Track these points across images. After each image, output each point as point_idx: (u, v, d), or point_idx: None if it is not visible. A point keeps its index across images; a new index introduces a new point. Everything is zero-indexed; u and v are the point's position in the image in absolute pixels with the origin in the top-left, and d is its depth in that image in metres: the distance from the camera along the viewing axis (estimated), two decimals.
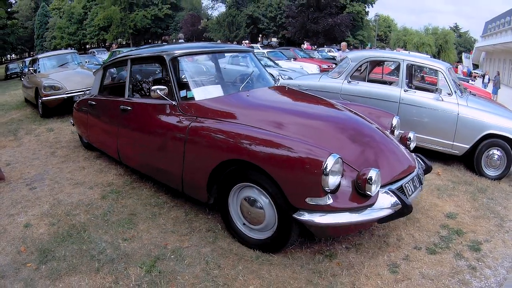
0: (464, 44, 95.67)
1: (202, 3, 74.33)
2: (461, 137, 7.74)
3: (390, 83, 9.00)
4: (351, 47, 51.34)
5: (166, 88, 5.00)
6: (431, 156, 8.10)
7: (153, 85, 5.45)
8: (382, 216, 3.86)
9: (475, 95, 9.79)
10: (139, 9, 72.72)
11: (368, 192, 3.73)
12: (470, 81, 23.91)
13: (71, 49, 71.99)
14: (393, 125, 5.71)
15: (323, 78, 9.50)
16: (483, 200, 6.40)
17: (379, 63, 10.33)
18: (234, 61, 9.82)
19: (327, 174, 3.48)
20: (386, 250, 4.62)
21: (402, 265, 4.33)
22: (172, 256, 4.13)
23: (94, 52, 44.83)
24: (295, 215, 3.71)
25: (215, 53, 6.36)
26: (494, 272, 4.37)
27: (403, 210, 3.94)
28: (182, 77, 5.35)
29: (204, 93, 5.15)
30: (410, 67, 9.04)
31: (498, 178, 7.50)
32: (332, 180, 3.59)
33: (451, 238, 5.00)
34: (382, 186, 3.99)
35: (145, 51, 6.57)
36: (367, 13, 62.34)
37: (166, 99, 4.99)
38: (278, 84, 6.28)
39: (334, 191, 3.68)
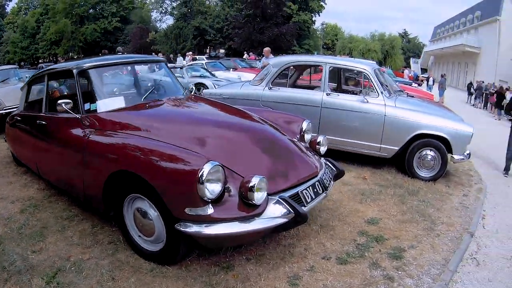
0: (413, 49, 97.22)
1: (151, 16, 73.61)
2: (389, 139, 7.51)
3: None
4: None
5: (71, 102, 4.94)
6: (362, 159, 7.98)
7: (63, 99, 5.27)
8: (274, 225, 3.67)
9: (412, 96, 9.84)
10: (89, 23, 71.96)
11: (252, 201, 3.55)
12: (413, 83, 23.95)
13: (24, 64, 71.81)
14: (303, 129, 5.49)
15: (245, 86, 9.19)
16: (413, 203, 6.17)
17: (305, 68, 10.16)
18: (146, 72, 9.41)
19: (202, 183, 3.34)
20: (290, 261, 4.31)
21: (304, 277, 4.02)
22: (72, 268, 4.04)
23: (42, 67, 42.67)
24: (177, 227, 3.55)
25: (124, 64, 6.21)
26: (416, 281, 4.06)
27: (297, 219, 3.72)
28: (90, 90, 5.26)
29: (106, 105, 5.03)
30: (336, 71, 9.11)
31: (433, 179, 7.41)
32: (211, 189, 3.44)
33: (369, 246, 4.69)
34: (274, 194, 3.83)
35: (60, 65, 6.59)
36: (313, 22, 62.50)
37: (70, 113, 4.90)
38: (192, 94, 6.33)
39: (217, 200, 3.52)
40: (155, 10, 70.50)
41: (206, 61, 25.71)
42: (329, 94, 8.03)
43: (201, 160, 3.47)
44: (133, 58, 6.56)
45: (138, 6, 74.38)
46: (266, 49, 14.44)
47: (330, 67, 8.27)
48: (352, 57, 51.20)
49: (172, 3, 67.28)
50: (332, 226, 5.16)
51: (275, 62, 8.92)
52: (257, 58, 34.91)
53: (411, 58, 79.65)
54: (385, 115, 7.47)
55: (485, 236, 5.50)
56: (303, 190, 4.15)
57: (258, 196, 3.54)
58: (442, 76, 32.94)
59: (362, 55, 61.41)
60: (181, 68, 18.45)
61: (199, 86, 15.63)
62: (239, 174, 3.83)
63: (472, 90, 34.03)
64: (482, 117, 24.28)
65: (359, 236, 4.93)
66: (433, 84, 29.70)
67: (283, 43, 51.56)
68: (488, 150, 11.19)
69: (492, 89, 28.09)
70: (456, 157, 7.24)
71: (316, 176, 4.48)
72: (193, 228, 3.48)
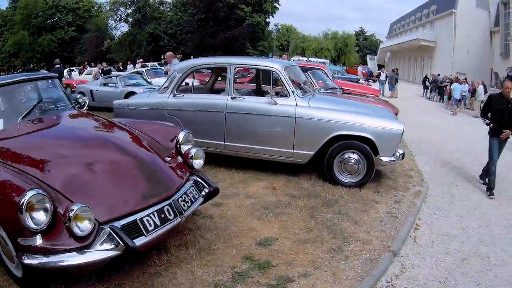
0: (370, 46, 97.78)
1: (108, 24, 71.69)
2: (303, 143, 6.90)
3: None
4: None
5: None
6: (280, 166, 7.42)
7: None
8: (102, 259, 3.33)
9: (349, 93, 10.21)
10: (46, 33, 70.84)
11: (74, 231, 3.23)
12: (361, 80, 23.26)
13: None
14: (179, 141, 4.98)
15: (152, 95, 8.60)
16: (325, 216, 5.50)
17: (217, 70, 9.48)
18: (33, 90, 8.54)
19: (23, 212, 3.10)
20: None
21: None
22: None
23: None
24: (20, 258, 3.28)
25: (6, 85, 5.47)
26: None
27: (127, 252, 3.33)
28: None
29: None
30: (258, 72, 8.78)
31: (359, 185, 6.84)
32: (36, 218, 3.18)
33: (248, 275, 3.96)
34: (107, 222, 3.46)
35: None
36: (267, 23, 61.83)
37: None
38: (84, 108, 5.96)
39: (47, 230, 3.24)
40: (110, 18, 68.67)
41: (146, 68, 24.98)
42: (234, 97, 7.36)
43: (23, 188, 3.23)
44: (14, 78, 5.80)
45: (94, 14, 73.07)
46: (168, 53, 13.37)
47: (235, 68, 7.74)
48: (305, 56, 50.90)
49: (127, 10, 65.64)
50: (213, 249, 4.45)
51: (179, 67, 8.22)
52: None
53: (367, 55, 79.93)
54: (296, 117, 6.82)
55: (414, 253, 4.84)
56: (144, 217, 3.67)
57: (82, 226, 3.23)
58: (393, 70, 32.60)
59: (315, 54, 61.35)
60: (116, 77, 17.75)
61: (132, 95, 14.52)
62: (71, 200, 3.43)
63: (427, 83, 33.56)
64: (438, 110, 23.96)
65: (242, 262, 4.19)
66: (386, 79, 28.94)
67: (236, 45, 50.79)
68: (440, 146, 11.18)
69: (447, 81, 27.52)
70: (384, 159, 6.63)
71: (168, 199, 3.99)
72: (27, 260, 3.22)
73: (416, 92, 33.96)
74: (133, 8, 65.71)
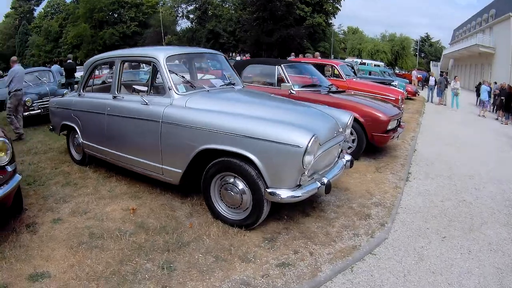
0: (435, 53, 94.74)
1: (178, 20, 72.44)
2: (170, 156, 5.33)
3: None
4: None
5: None
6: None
7: None
8: None
9: (343, 91, 9.55)
10: (108, 27, 72.15)
11: None
12: (395, 82, 20.87)
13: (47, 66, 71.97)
14: None
15: (71, 94, 8.10)
16: (140, 265, 4.14)
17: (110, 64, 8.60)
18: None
19: None
20: None
21: None
22: None
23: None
24: None
25: None
26: None
27: None
28: None
29: None
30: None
31: (244, 225, 4.81)
32: None
33: None
34: None
35: None
36: (329, 24, 59.57)
37: None
38: None
39: None
40: (170, 14, 69.02)
41: None
42: (115, 96, 6.15)
43: None
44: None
45: (158, 10, 72.70)
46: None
47: (121, 61, 6.40)
48: (361, 58, 48.59)
49: (187, 7, 65.23)
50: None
51: (86, 63, 7.39)
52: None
53: (431, 62, 76.09)
54: (161, 121, 5.24)
55: None
56: None
57: None
58: (441, 74, 29.86)
59: (371, 56, 58.72)
60: None
61: None
62: None
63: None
64: (481, 122, 20.85)
65: None
66: (435, 85, 26.23)
67: (293, 45, 48.82)
68: (459, 167, 9.02)
69: (496, 89, 24.41)
70: (279, 193, 4.34)
71: None
72: None
73: (472, 100, 30.77)
74: (194, 5, 65.13)
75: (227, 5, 65.11)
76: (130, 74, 15.63)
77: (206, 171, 4.86)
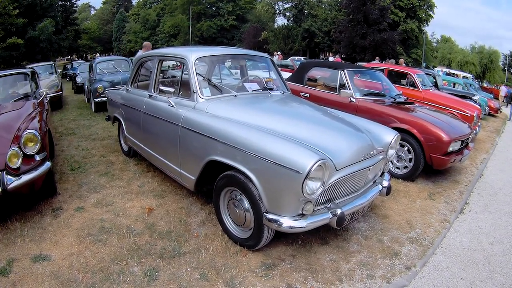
0: None
1: (276, 17, 71.46)
2: (186, 162, 5.03)
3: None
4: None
5: None
6: None
7: None
8: None
9: (413, 103, 8.61)
10: (205, 19, 72.65)
11: None
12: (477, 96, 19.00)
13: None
14: None
15: (122, 88, 7.75)
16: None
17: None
18: None
19: None
20: None
21: None
22: None
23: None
24: None
25: None
26: None
27: None
28: None
29: None
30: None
31: (247, 246, 4.30)
32: None
33: None
34: None
35: None
36: (421, 31, 57.03)
37: None
38: None
39: None
40: (267, 10, 68.08)
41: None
42: (151, 95, 5.97)
43: None
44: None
45: (255, 6, 73.01)
46: (146, 43, 11.42)
47: (159, 59, 6.10)
48: (450, 68, 46.11)
49: (284, 4, 64.92)
50: None
51: (134, 59, 7.58)
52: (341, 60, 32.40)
53: None
54: (180, 125, 4.91)
55: None
56: None
57: None
58: None
59: (460, 68, 55.59)
60: None
61: None
62: None
63: None
64: None
65: None
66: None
67: (386, 49, 47.24)
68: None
69: None
70: (277, 219, 3.73)
71: None
72: None
73: None
74: (291, 3, 64.79)
75: (323, 6, 63.82)
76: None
77: (216, 183, 4.44)
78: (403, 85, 12.41)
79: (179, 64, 6.90)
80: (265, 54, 6.66)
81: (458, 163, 7.64)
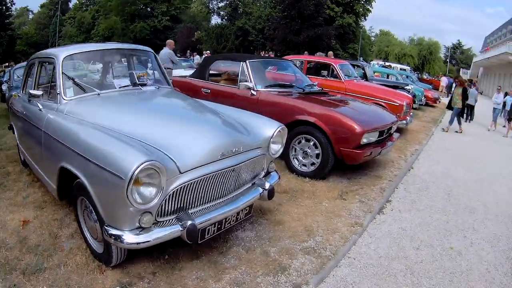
0: (466, 60, 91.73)
1: (211, 16, 71.40)
2: (47, 169, 4.68)
3: None
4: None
5: None
6: None
7: None
8: None
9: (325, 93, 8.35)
10: (139, 21, 72.53)
11: None
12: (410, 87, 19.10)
13: None
14: None
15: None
16: None
17: None
18: None
19: None
20: None
21: None
22: None
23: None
24: None
25: None
26: None
27: None
28: None
29: None
30: None
31: (104, 262, 4.00)
32: None
33: None
34: None
35: None
36: (359, 26, 57.96)
37: None
38: None
39: None
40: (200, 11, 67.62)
41: None
42: (29, 100, 5.40)
43: None
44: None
45: (189, 6, 72.60)
46: (169, 41, 13.08)
47: (38, 61, 5.77)
48: (386, 61, 47.05)
49: (218, 3, 64.65)
50: None
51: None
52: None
53: (461, 69, 73.59)
54: (43, 131, 4.55)
55: None
56: None
57: None
58: (470, 81, 27.65)
59: (398, 60, 56.98)
60: None
61: None
62: None
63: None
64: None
65: None
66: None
67: (321, 45, 47.51)
68: (461, 195, 7.50)
69: None
70: (117, 234, 3.28)
71: None
72: None
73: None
74: (225, 2, 64.60)
75: (258, 3, 63.79)
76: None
77: (72, 191, 4.07)
78: (324, 76, 12.22)
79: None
80: (146, 48, 6.27)
81: (378, 156, 7.28)
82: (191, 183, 3.46)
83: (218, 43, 61.23)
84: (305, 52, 22.48)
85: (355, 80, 12.33)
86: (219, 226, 3.79)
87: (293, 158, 7.26)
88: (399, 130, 11.94)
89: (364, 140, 6.54)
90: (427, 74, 55.88)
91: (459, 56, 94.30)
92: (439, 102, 25.39)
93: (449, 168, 9.13)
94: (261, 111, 6.30)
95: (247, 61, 7.89)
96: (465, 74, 66.48)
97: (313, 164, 6.96)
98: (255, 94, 7.59)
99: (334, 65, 12.14)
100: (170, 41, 13.08)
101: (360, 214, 5.73)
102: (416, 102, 18.51)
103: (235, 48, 60.59)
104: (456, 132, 15.20)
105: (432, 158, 9.98)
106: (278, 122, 4.86)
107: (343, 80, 11.83)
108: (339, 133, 6.53)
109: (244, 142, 4.09)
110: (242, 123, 4.60)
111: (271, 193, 4.39)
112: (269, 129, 4.61)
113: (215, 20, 69.49)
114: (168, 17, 74.16)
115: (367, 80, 14.69)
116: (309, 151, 6.99)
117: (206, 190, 3.68)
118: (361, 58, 54.43)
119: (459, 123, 15.41)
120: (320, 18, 48.86)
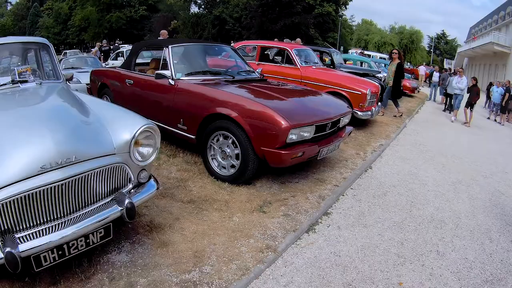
0: (450, 51, 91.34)
1: (190, 5, 69.88)
2: None
3: None
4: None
5: None
6: None
7: None
8: None
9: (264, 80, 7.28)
10: (115, 11, 71.34)
11: None
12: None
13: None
14: None
15: None
16: None
17: None
18: None
19: None
20: None
21: None
22: None
23: (66, 53, 39.45)
24: None
25: None
26: None
27: None
28: None
29: None
30: None
31: None
32: None
33: None
34: None
35: None
36: (338, 15, 56.69)
37: None
38: None
39: None
40: None
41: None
42: None
43: None
44: None
45: None
46: (163, 31, 12.92)
47: None
48: (365, 50, 46.00)
49: None
50: None
51: None
52: None
53: (445, 60, 72.77)
54: None
55: None
56: None
57: None
58: (445, 70, 26.24)
59: (378, 49, 55.90)
60: None
61: None
62: None
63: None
64: (496, 127, 17.82)
65: None
66: (439, 80, 22.34)
67: (298, 34, 46.09)
68: (415, 191, 6.33)
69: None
70: None
71: None
72: None
73: (481, 102, 27.35)
74: None
75: None
76: None
77: None
78: (277, 63, 10.88)
79: None
80: (40, 39, 5.50)
81: (317, 157, 5.72)
82: (6, 202, 2.85)
83: (194, 32, 59.92)
84: (285, 39, 21.12)
85: (313, 67, 10.88)
86: (60, 252, 3.08)
87: (212, 158, 5.88)
88: (364, 122, 10.48)
89: (292, 137, 5.11)
90: (408, 64, 54.66)
91: (443, 47, 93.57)
92: (418, 91, 24.11)
93: (418, 167, 7.73)
94: (176, 103, 5.94)
95: (169, 46, 6.72)
96: (449, 65, 65.56)
97: (233, 166, 5.58)
98: (173, 83, 6.34)
99: (290, 50, 10.74)
100: (163, 31, 12.94)
101: (279, 233, 4.33)
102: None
103: (212, 37, 59.25)
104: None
105: (398, 156, 8.46)
106: (145, 119, 3.83)
107: (298, 67, 10.46)
108: (259, 129, 5.15)
109: (79, 151, 3.23)
110: (107, 123, 3.70)
111: (130, 212, 3.39)
112: (129, 129, 3.63)
113: (193, 9, 68.14)
114: (145, 6, 72.81)
115: (334, 67, 13.26)
116: (228, 150, 5.57)
117: (32, 210, 3.01)
118: (342, 48, 53.27)
119: (396, 105, 13.58)
120: (298, 6, 47.60)
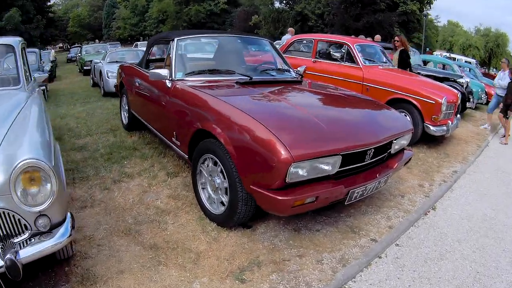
0: None
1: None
2: None
3: None
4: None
5: None
6: None
7: None
8: None
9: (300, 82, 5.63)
10: (193, 4, 70.33)
11: None
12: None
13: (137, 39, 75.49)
14: None
15: None
16: None
17: None
18: None
19: None
20: None
21: None
22: None
23: (137, 45, 39.80)
24: None
25: None
26: None
27: None
28: None
29: None
30: None
31: None
32: None
33: None
34: None
35: None
36: (423, 14, 53.57)
37: None
38: None
39: None
40: None
41: None
42: None
43: None
44: None
45: None
46: (290, 29, 14.88)
47: None
48: (450, 52, 42.90)
49: None
50: None
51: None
52: None
53: None
54: None
55: None
56: None
57: None
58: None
59: (463, 52, 51.97)
60: None
61: None
62: None
63: None
64: None
65: None
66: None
67: (382, 32, 43.71)
68: None
69: None
70: None
71: None
72: None
73: None
74: None
75: None
76: None
77: None
78: (336, 60, 9.13)
79: None
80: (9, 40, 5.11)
81: (347, 201, 3.84)
82: None
83: (275, 28, 58.10)
84: (361, 35, 19.39)
85: (380, 67, 9.03)
86: None
87: (202, 188, 4.32)
88: (437, 138, 8.40)
89: (298, 173, 3.33)
90: (494, 70, 50.48)
91: None
92: None
93: (497, 208, 5.33)
94: (169, 110, 4.92)
95: (175, 39, 5.39)
96: None
97: (223, 203, 3.97)
98: (169, 86, 4.98)
99: (351, 45, 8.99)
100: (291, 29, 14.76)
101: None
102: (472, 100, 14.26)
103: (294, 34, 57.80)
104: None
105: (475, 189, 6.09)
106: (34, 150, 2.83)
107: (360, 66, 8.72)
108: (246, 155, 3.51)
109: None
110: None
111: (11, 271, 2.49)
112: (6, 165, 2.68)
113: (276, 4, 66.93)
114: (226, 0, 71.50)
115: (409, 69, 11.24)
116: (218, 181, 3.97)
117: None
118: (428, 49, 50.19)
119: None
120: (382, 4, 45.22)
